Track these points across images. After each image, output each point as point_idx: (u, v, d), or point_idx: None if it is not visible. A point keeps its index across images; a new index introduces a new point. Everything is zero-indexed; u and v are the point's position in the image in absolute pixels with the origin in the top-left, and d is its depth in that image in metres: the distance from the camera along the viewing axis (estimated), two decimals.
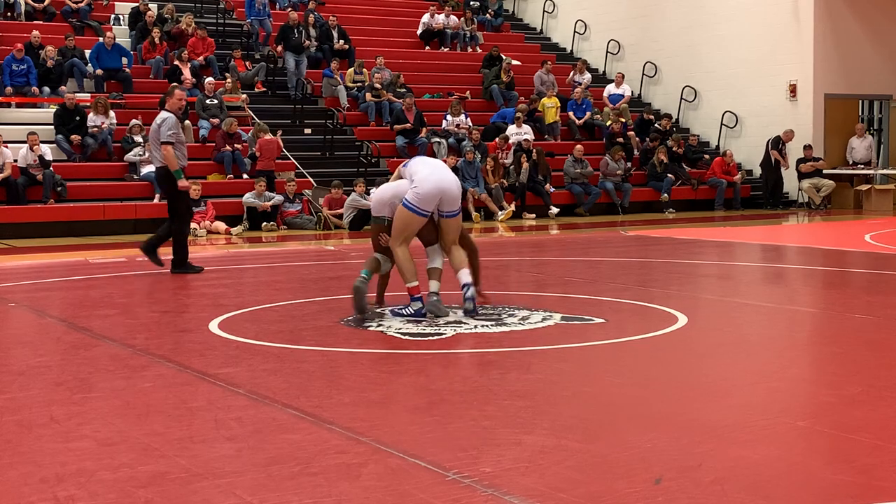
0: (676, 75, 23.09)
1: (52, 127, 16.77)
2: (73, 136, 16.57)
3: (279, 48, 20.48)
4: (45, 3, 20.52)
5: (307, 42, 20.74)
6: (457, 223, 7.34)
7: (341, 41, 21.59)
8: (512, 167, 18.70)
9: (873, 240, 13.53)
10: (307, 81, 20.06)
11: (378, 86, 20.13)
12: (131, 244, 14.01)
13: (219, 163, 17.23)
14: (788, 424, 4.43)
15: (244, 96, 18.99)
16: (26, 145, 15.66)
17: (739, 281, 10.09)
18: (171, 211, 10.45)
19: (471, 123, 19.74)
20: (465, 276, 7.19)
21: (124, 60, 19.01)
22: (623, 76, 22.90)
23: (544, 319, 7.06)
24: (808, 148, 20.30)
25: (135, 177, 16.54)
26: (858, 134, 21.20)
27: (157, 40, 19.68)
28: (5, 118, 17.19)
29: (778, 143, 20.31)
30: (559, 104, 21.28)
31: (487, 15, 25.91)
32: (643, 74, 23.80)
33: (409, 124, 19.15)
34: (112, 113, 17.26)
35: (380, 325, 6.90)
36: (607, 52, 24.73)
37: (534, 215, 18.31)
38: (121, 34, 20.30)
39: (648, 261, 11.55)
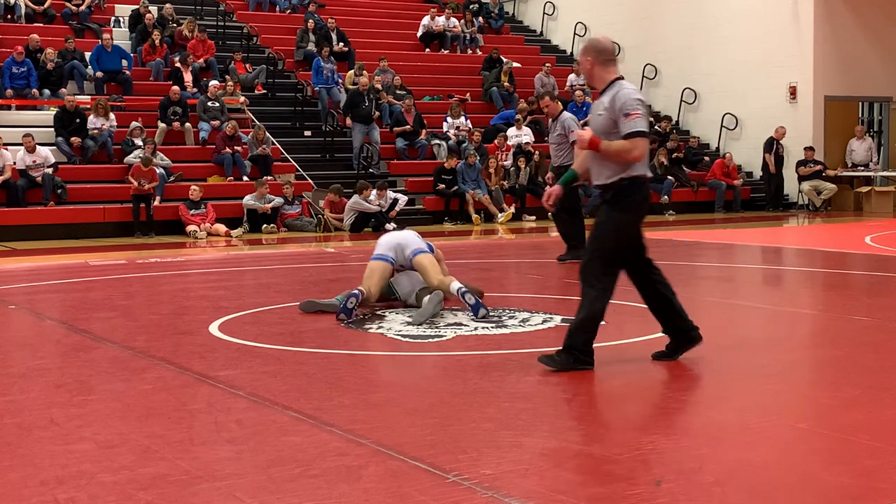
0: (676, 77, 23.09)
1: (53, 129, 16.77)
2: (73, 139, 16.57)
3: (348, 120, 18.68)
4: (46, 5, 20.53)
5: (377, 112, 19.03)
6: (428, 259, 7.58)
7: (341, 43, 21.58)
8: (512, 169, 18.71)
9: (873, 242, 13.52)
10: (304, 81, 20.02)
11: (379, 87, 20.13)
12: (130, 246, 14.03)
13: (219, 165, 17.24)
14: (789, 426, 4.43)
15: (243, 98, 18.99)
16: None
17: (740, 283, 10.08)
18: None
19: (471, 125, 19.75)
20: (456, 284, 7.33)
21: (124, 63, 19.03)
22: (623, 78, 22.85)
23: (545, 321, 7.06)
24: (809, 149, 20.29)
25: None
26: (858, 136, 21.20)
27: (157, 43, 19.68)
28: (5, 120, 17.19)
29: (772, 145, 20.30)
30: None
31: (490, 15, 25.87)
32: (643, 76, 23.79)
33: (408, 126, 19.16)
34: (112, 115, 17.26)
35: (380, 328, 6.90)
36: None
37: (534, 217, 18.31)
38: (121, 37, 20.30)
39: None
